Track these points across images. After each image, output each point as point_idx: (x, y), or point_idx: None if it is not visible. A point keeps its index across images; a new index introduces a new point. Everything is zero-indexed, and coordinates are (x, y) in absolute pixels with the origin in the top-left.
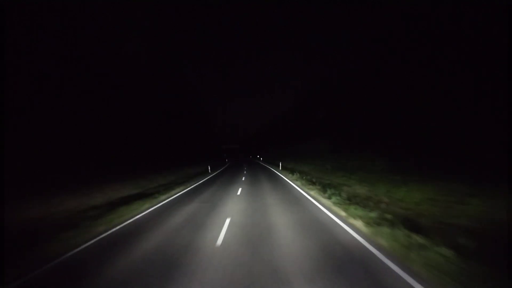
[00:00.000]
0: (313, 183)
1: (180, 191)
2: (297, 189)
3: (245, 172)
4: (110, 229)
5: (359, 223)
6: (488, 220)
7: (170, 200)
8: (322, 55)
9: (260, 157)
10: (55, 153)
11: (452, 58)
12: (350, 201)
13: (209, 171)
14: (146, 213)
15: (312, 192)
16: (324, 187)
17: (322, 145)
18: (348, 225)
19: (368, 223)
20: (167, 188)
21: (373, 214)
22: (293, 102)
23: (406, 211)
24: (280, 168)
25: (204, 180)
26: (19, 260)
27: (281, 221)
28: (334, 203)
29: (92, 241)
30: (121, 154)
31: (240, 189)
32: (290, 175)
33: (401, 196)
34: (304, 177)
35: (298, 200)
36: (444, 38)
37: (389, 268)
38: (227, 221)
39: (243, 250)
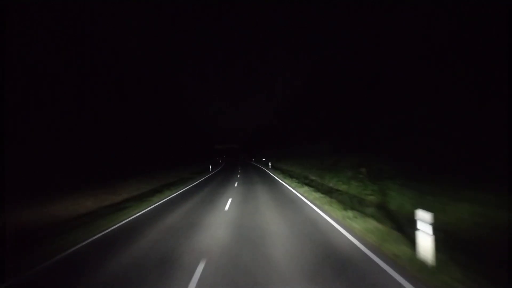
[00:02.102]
0: None
1: None
2: None
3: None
4: None
5: None
6: None
7: None
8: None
9: (268, 162)
10: (55, 153)
11: (452, 58)
12: None
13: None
14: None
15: None
16: None
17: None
18: None
19: None
20: None
21: None
22: (295, 101)
23: None
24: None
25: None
26: None
27: None
28: None
29: None
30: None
31: None
32: None
33: None
34: None
35: None
36: (444, 37)
37: None
38: None
39: None
